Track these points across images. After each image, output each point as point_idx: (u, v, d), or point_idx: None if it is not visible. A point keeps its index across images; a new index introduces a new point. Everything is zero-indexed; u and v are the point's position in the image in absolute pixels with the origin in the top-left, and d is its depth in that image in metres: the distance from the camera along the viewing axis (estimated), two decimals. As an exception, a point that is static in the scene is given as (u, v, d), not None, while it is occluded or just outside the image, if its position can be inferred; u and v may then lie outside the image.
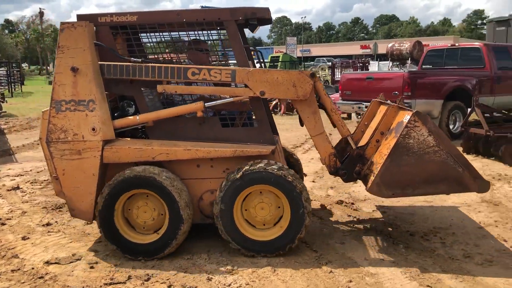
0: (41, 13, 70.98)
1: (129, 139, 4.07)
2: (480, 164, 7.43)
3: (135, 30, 4.03)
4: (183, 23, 3.93)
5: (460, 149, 8.43)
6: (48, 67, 70.10)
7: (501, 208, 5.19)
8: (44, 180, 6.66)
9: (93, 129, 3.84)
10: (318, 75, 4.79)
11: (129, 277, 3.56)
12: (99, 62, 3.91)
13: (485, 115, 8.32)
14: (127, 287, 3.43)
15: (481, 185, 3.74)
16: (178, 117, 4.05)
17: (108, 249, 4.05)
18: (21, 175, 7.12)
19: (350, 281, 3.44)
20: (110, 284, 3.47)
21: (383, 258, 3.85)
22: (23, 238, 4.42)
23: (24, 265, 3.83)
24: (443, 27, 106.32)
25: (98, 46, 3.95)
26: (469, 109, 8.88)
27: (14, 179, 6.83)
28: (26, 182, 6.62)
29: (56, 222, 4.89)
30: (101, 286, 3.44)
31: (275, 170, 3.76)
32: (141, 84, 4.05)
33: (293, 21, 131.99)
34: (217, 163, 3.99)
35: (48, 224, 4.81)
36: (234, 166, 3.89)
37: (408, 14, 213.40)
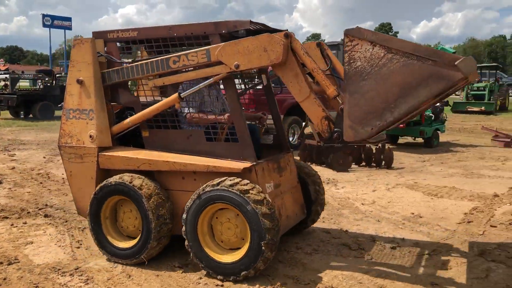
0: None
1: (123, 147, 4.31)
2: (314, 171, 8.48)
3: (137, 44, 4.39)
4: (174, 37, 4.07)
5: (298, 157, 9.49)
6: None
7: (328, 206, 6.08)
8: None
9: (90, 137, 4.21)
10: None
11: (-25, 297, 3.45)
12: (101, 71, 4.25)
13: (318, 128, 9.49)
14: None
15: (463, 65, 2.94)
16: (169, 130, 4.19)
17: None
18: None
19: (200, 278, 3.81)
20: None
21: (230, 255, 4.30)
22: None
23: None
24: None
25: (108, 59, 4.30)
26: (304, 123, 10.02)
27: None
28: None
29: None
30: None
31: (234, 190, 3.62)
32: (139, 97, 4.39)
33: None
34: (200, 177, 3.95)
35: None
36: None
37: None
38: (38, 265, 4.06)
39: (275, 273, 3.91)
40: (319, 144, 8.88)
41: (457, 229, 5.19)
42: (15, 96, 18.77)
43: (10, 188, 6.88)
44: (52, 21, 56.68)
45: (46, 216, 5.48)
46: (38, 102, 18.95)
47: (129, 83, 4.51)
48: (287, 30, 3.95)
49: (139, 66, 4.14)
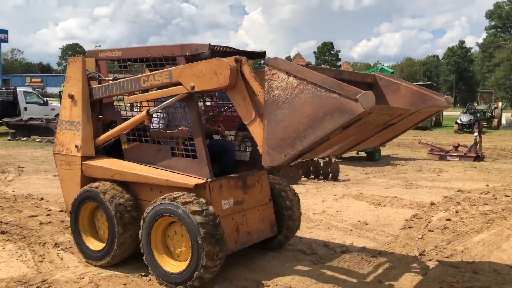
0: None
1: (104, 157, 4.66)
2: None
3: (121, 62, 4.72)
4: (149, 57, 4.38)
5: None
6: None
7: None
8: None
9: (76, 146, 4.65)
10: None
11: None
12: (89, 87, 4.67)
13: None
14: None
15: (363, 99, 2.93)
16: (142, 144, 4.46)
17: None
18: None
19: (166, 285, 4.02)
20: None
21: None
22: None
23: None
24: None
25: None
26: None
27: None
28: None
29: None
30: None
31: (180, 204, 3.79)
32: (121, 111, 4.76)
33: (86, 48, 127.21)
34: (164, 189, 4.14)
35: None
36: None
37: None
38: (3, 279, 4.10)
39: (238, 277, 4.18)
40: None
41: (399, 234, 5.69)
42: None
43: (-41, 206, 6.72)
44: (-13, 34, 54.31)
45: (2, 232, 5.44)
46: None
47: (113, 98, 4.80)
48: (264, 51, 4.44)
49: (117, 84, 4.49)
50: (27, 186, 8.38)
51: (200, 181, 4.00)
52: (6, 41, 57.60)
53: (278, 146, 3.28)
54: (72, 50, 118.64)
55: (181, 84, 4.05)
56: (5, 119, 18.05)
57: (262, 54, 4.54)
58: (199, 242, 3.70)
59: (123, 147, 4.58)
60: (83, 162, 4.60)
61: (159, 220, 3.97)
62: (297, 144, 3.20)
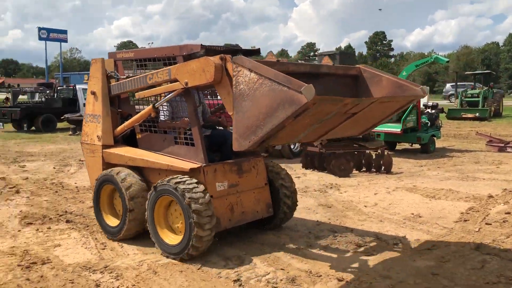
0: None
1: (121, 146, 5.31)
2: (316, 177, 8.85)
3: (135, 62, 5.38)
4: (155, 57, 5.02)
5: (300, 165, 9.86)
6: None
7: (333, 209, 6.44)
8: None
9: (98, 137, 5.33)
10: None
11: (17, 293, 3.77)
12: (108, 85, 5.34)
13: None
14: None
15: (305, 90, 3.28)
16: (151, 134, 5.09)
17: (-14, 272, 4.14)
18: None
19: (219, 273, 4.15)
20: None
21: (245, 253, 4.66)
22: None
23: None
24: (281, 57, 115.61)
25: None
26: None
27: None
28: None
29: None
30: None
31: (177, 186, 4.34)
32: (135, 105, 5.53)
33: (140, 46, 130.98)
34: (168, 173, 4.71)
35: None
36: None
37: (250, 44, 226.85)
38: (70, 264, 4.39)
39: (289, 268, 4.26)
40: (320, 151, 9.25)
41: (454, 227, 5.56)
42: (19, 109, 19.08)
43: (28, 197, 7.20)
44: (48, 34, 57.13)
45: (68, 221, 5.80)
46: (41, 115, 19.26)
47: (128, 94, 5.48)
48: (259, 48, 5.11)
49: (129, 82, 5.14)
50: (88, 178, 8.81)
51: (195, 166, 4.56)
52: (65, 40, 60.28)
53: (244, 133, 3.72)
54: (126, 48, 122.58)
55: (178, 81, 4.56)
56: (66, 115, 19.05)
57: (257, 51, 5.07)
58: (191, 216, 4.23)
59: (137, 136, 5.24)
60: (103, 150, 5.30)
61: (160, 199, 4.56)
62: (258, 131, 3.63)
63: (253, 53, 4.94)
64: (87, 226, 5.60)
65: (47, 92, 22.69)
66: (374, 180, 8.52)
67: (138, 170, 5.03)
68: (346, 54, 28.62)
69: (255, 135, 3.65)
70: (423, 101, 14.17)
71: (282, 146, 11.09)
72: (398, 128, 11.09)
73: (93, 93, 5.41)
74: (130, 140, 5.40)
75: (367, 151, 9.48)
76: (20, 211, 6.32)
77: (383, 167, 9.26)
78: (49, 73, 60.97)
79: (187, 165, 4.59)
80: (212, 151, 5.06)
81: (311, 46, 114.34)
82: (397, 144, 12.85)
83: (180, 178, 4.42)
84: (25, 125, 19.24)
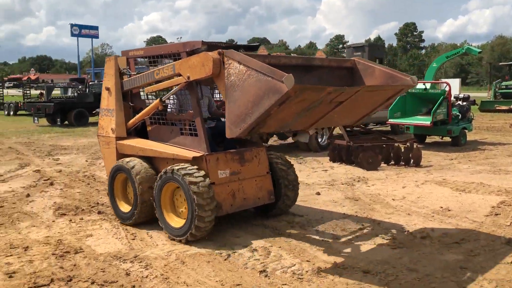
0: None
1: (134, 137, 5.66)
2: (344, 170, 8.82)
3: (145, 59, 5.78)
4: (161, 54, 5.33)
5: (327, 158, 9.83)
6: None
7: (360, 202, 6.42)
8: None
9: (112, 129, 5.69)
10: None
11: (52, 280, 3.91)
12: (121, 81, 5.68)
13: (346, 129, 9.83)
14: (51, 288, 3.80)
15: (286, 80, 3.55)
16: (160, 126, 5.41)
17: (23, 261, 4.32)
18: None
19: (246, 263, 4.21)
20: (35, 287, 3.80)
21: (271, 244, 4.70)
22: None
23: None
24: (309, 50, 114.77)
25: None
26: (333, 124, 10.33)
27: None
28: None
29: (-44, 243, 4.94)
30: (25, 290, 3.76)
31: (179, 171, 4.69)
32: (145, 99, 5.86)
33: (169, 41, 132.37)
34: (175, 162, 5.02)
35: (-51, 245, 4.85)
36: None
37: (278, 38, 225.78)
38: (101, 254, 4.53)
39: (315, 260, 4.28)
40: (348, 144, 9.19)
41: (485, 220, 5.46)
42: (52, 104, 19.62)
43: (61, 189, 7.43)
44: (80, 30, 58.34)
45: (99, 213, 5.97)
46: (73, 110, 19.75)
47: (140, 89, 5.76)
48: (258, 44, 5.45)
49: (138, 77, 5.46)
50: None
51: (197, 154, 4.87)
52: (96, 36, 61.39)
53: (235, 121, 3.99)
54: (155, 43, 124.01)
55: (181, 75, 4.85)
56: (97, 110, 19.47)
57: (256, 47, 5.36)
58: (192, 198, 4.55)
59: (148, 128, 5.57)
60: (117, 141, 5.66)
61: (166, 185, 4.90)
62: (247, 119, 3.89)
63: (253, 48, 5.25)
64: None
65: (79, 87, 23.25)
66: (402, 173, 8.42)
67: (149, 159, 5.37)
68: (375, 46, 28.11)
69: (244, 122, 3.93)
70: (454, 93, 13.88)
71: (310, 139, 11.05)
72: (427, 121, 10.90)
73: (107, 88, 5.78)
74: (141, 132, 5.72)
75: (396, 144, 9.37)
76: (54, 202, 6.54)
77: (412, 160, 9.14)
78: (81, 69, 62.34)
79: (190, 154, 4.91)
80: (217, 142, 5.38)
81: (339, 39, 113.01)
82: (427, 137, 12.64)
83: (182, 166, 4.77)
84: (58, 119, 19.78)
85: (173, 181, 4.80)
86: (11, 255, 4.49)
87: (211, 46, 4.85)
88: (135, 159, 5.33)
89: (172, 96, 5.31)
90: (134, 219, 5.28)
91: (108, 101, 5.80)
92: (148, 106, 5.47)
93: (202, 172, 4.70)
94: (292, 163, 5.83)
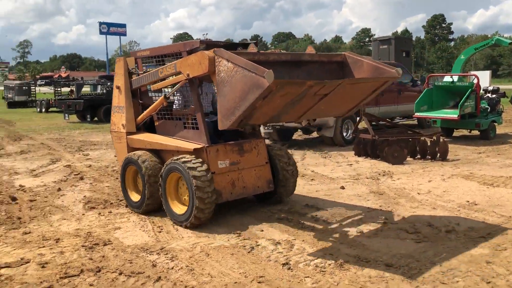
0: None
1: (142, 132, 6.03)
2: (369, 164, 8.77)
3: (150, 58, 6.07)
4: (165, 53, 5.64)
5: (352, 152, 9.79)
6: None
7: (385, 196, 6.39)
8: (-35, 200, 6.71)
9: (122, 125, 6.08)
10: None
11: (82, 271, 4.06)
12: (130, 80, 6.07)
13: (372, 123, 9.76)
14: (81, 278, 3.94)
15: (267, 75, 3.78)
16: (166, 121, 5.76)
17: (54, 252, 4.49)
18: None
19: (269, 256, 4.27)
20: (65, 277, 3.95)
21: (295, 238, 4.75)
22: (-35, 250, 4.67)
23: (-24, 271, 4.15)
24: (335, 44, 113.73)
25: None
26: (358, 118, 10.28)
27: None
28: None
29: (-8, 234, 5.15)
30: (57, 280, 3.90)
31: (180, 162, 5.06)
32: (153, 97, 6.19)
33: (195, 37, 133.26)
34: (179, 154, 5.37)
35: (-15, 237, 5.07)
36: None
37: (303, 32, 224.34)
38: (129, 246, 4.66)
39: (338, 253, 4.31)
40: (373, 138, 9.13)
41: (513, 215, 5.36)
42: (82, 101, 20.08)
43: (91, 183, 7.65)
44: (108, 28, 59.33)
45: (127, 206, 6.13)
46: (102, 106, 20.16)
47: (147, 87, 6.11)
48: (256, 41, 5.65)
49: (145, 76, 5.85)
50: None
51: (198, 146, 5.21)
52: (124, 34, 62.31)
53: (225, 114, 4.28)
54: (182, 40, 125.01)
55: (181, 73, 5.16)
56: None
57: (255, 44, 5.49)
58: (192, 188, 4.89)
59: (155, 123, 5.92)
60: (127, 136, 6.05)
61: (170, 175, 5.25)
62: (236, 112, 4.17)
63: (246, 46, 5.53)
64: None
65: (108, 84, 23.66)
66: (428, 167, 8.33)
67: (156, 152, 5.75)
68: (401, 39, 27.73)
69: (233, 115, 4.22)
70: (484, 85, 13.58)
71: (334, 134, 11.05)
72: (455, 114, 10.71)
73: (118, 87, 6.14)
74: (150, 127, 6.09)
75: (422, 138, 9.25)
76: (84, 196, 6.74)
77: (438, 154, 9.02)
78: (109, 66, 63.39)
79: (192, 146, 5.26)
80: (219, 135, 5.69)
81: (366, 32, 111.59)
82: (455, 130, 12.43)
83: (184, 156, 5.14)
84: (88, 116, 20.24)
85: (176, 170, 5.13)
86: (43, 247, 4.67)
87: (209, 45, 5.15)
88: (144, 152, 5.72)
89: (176, 93, 5.70)
90: (143, 208, 5.64)
91: (119, 98, 6.16)
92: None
93: (200, 161, 5.05)
94: (291, 153, 6.13)
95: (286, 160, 5.86)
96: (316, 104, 4.61)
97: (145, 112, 5.94)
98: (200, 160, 5.08)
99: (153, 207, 5.63)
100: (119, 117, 6.16)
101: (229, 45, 5.39)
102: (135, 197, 5.88)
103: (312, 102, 4.55)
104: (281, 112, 4.52)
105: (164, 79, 5.56)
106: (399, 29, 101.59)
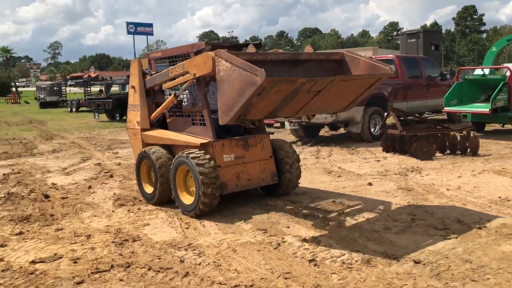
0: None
1: (156, 129, 6.43)
2: (397, 160, 8.66)
3: (163, 59, 6.57)
4: (175, 55, 5.98)
5: (380, 148, 9.67)
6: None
7: (413, 192, 6.30)
8: (1, 197, 6.94)
9: (137, 122, 6.50)
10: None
11: (112, 266, 4.16)
12: (144, 80, 6.48)
13: (400, 118, 9.62)
14: (111, 273, 4.03)
15: (259, 73, 4.08)
16: (177, 118, 6.14)
17: (86, 248, 4.61)
18: (-25, 194, 7.31)
19: (295, 253, 4.28)
20: (96, 272, 4.05)
21: (321, 234, 4.74)
22: (1, 246, 4.82)
23: (12, 265, 4.29)
24: (362, 39, 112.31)
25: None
26: (385, 113, 10.15)
27: (-30, 198, 7.02)
28: (-17, 200, 6.86)
29: (27, 231, 5.31)
30: (88, 275, 4.01)
31: (186, 156, 5.41)
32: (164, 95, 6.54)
33: (220, 35, 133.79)
34: (188, 148, 5.68)
35: (20, 233, 5.22)
36: None
37: (330, 27, 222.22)
38: (157, 242, 4.75)
39: (365, 250, 4.28)
40: (402, 133, 9.00)
41: (547, 211, 5.21)
42: (111, 100, 20.47)
43: (120, 181, 7.80)
44: (135, 28, 60.16)
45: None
46: (131, 105, 20.47)
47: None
48: (259, 42, 6.32)
49: (157, 76, 6.22)
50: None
51: (205, 141, 5.55)
52: (151, 33, 63.08)
53: (225, 110, 4.60)
54: (207, 37, 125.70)
55: (189, 73, 5.46)
56: None
57: (258, 45, 5.85)
58: (198, 178, 5.23)
59: (167, 120, 6.30)
60: (142, 133, 6.42)
61: (179, 168, 5.59)
62: (234, 108, 4.47)
63: (256, 46, 5.81)
64: (173, 208, 5.98)
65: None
66: (458, 162, 8.16)
67: (167, 147, 6.09)
68: (430, 32, 27.20)
69: (232, 111, 4.52)
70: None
71: (362, 130, 10.94)
72: (486, 107, 10.45)
73: (133, 87, 6.58)
74: (163, 124, 6.49)
75: (452, 133, 9.07)
76: (114, 193, 6.89)
77: (469, 149, 8.82)
78: (137, 65, 64.19)
79: (199, 140, 5.60)
80: (226, 131, 6.00)
81: (394, 26, 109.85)
82: (486, 125, 12.13)
83: (191, 151, 5.48)
84: (117, 114, 20.61)
85: (184, 164, 5.47)
86: (75, 243, 4.80)
87: (215, 46, 5.49)
88: (156, 147, 6.07)
89: (185, 91, 6.04)
90: (155, 199, 6.01)
91: (134, 97, 6.57)
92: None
93: (208, 156, 5.38)
94: (293, 145, 6.46)
95: (287, 153, 6.12)
96: (312, 101, 4.87)
97: (157, 109, 6.31)
98: (208, 156, 5.38)
99: (164, 198, 5.95)
100: (134, 115, 6.56)
101: (236, 46, 5.90)
102: (148, 189, 6.24)
103: (307, 99, 4.83)
104: (277, 108, 4.82)
105: (174, 78, 5.87)
106: (428, 22, 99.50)
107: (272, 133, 6.43)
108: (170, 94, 6.22)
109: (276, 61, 5.32)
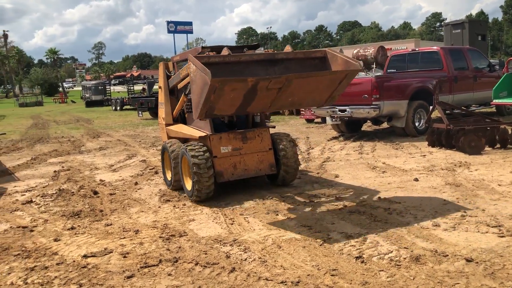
0: (5, 36, 70.13)
1: (177, 124, 7.30)
2: (444, 155, 8.41)
3: (181, 62, 7.37)
4: (186, 58, 6.42)
5: (425, 143, 9.43)
6: (15, 90, 69.28)
7: (462, 188, 6.10)
8: (53, 194, 7.22)
9: (163, 118, 7.47)
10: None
11: (160, 261, 4.25)
12: (168, 80, 7.40)
13: (446, 111, 9.33)
14: (160, 268, 4.12)
15: (208, 75, 4.62)
16: (190, 113, 6.76)
17: (134, 243, 4.73)
18: (29, 190, 7.64)
19: (341, 250, 4.23)
20: (145, 267, 4.15)
21: (367, 231, 4.67)
22: (55, 240, 5.02)
23: (65, 259, 4.46)
24: (404, 31, 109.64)
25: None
26: (431, 107, 9.87)
27: (24, 194, 7.35)
28: (36, 196, 7.16)
29: (78, 226, 5.50)
30: (138, 269, 4.11)
31: (185, 148, 6.01)
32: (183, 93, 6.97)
33: (259, 31, 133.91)
34: (193, 141, 6.33)
35: (72, 228, 5.42)
36: None
37: (370, 20, 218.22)
38: (203, 237, 4.81)
39: (413, 246, 4.18)
40: (448, 127, 8.74)
41: None
42: (154, 98, 20.87)
43: (165, 177, 7.95)
44: (176, 27, 61.08)
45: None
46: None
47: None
48: (258, 43, 6.86)
49: (174, 77, 7.01)
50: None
51: (203, 134, 6.22)
52: (191, 32, 63.88)
53: (195, 107, 5.18)
54: (246, 34, 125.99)
55: (189, 74, 5.66)
56: None
57: (257, 46, 6.53)
58: (192, 168, 5.83)
59: (186, 116, 7.17)
60: (166, 127, 7.32)
61: (183, 158, 6.25)
62: (199, 105, 5.02)
63: (254, 47, 6.42)
64: (217, 204, 6.04)
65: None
66: (510, 157, 7.84)
67: (183, 139, 6.81)
68: (476, 22, 26.23)
69: (199, 107, 5.06)
70: None
71: (406, 124, 10.70)
72: (539, 99, 9.98)
73: (160, 87, 7.59)
74: (184, 119, 7.29)
75: (502, 126, 8.72)
76: (159, 189, 7.04)
77: (521, 143, 8.45)
78: (177, 64, 65.31)
79: (198, 133, 6.30)
80: (228, 125, 6.68)
81: (436, 17, 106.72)
82: (539, 117, 11.58)
83: (190, 143, 6.13)
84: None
85: (184, 155, 6.09)
86: (124, 238, 4.94)
87: (212, 49, 6.19)
88: (172, 140, 6.87)
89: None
90: (172, 185, 6.78)
91: (161, 96, 7.54)
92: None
93: (204, 148, 5.95)
94: (294, 138, 6.81)
95: (285, 146, 6.50)
96: (280, 97, 5.25)
97: (176, 106, 7.15)
98: (204, 148, 5.96)
99: (179, 184, 6.59)
100: (161, 111, 7.53)
101: (237, 47, 6.41)
102: (169, 176, 6.94)
103: (271, 95, 5.21)
104: (243, 103, 5.22)
105: (183, 79, 6.58)
106: (474, 12, 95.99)
107: (274, 127, 6.93)
108: (183, 93, 6.88)
109: (250, 62, 5.76)
